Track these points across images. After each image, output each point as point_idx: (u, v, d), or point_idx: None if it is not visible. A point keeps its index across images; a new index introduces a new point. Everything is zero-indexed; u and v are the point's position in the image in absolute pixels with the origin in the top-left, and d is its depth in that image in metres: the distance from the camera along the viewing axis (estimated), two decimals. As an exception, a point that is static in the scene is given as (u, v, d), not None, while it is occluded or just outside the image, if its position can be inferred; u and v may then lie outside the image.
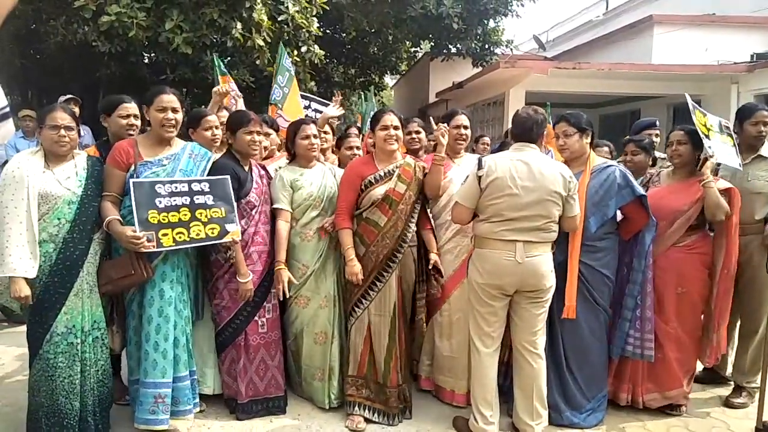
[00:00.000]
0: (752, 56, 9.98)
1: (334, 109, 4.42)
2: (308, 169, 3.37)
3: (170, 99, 2.92)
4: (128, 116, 3.13)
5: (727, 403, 3.52)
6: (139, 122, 3.19)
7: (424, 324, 3.43)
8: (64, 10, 6.78)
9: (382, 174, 3.19)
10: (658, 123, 4.03)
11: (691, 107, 3.36)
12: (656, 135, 4.49)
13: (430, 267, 3.28)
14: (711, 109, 3.74)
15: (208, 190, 2.94)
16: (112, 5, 6.17)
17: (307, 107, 5.18)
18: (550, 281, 2.93)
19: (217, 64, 4.78)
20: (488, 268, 2.91)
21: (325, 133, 3.73)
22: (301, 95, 5.41)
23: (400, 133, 3.22)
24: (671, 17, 11.03)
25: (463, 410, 3.30)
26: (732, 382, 3.62)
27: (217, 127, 3.41)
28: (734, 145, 3.38)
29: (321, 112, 5.09)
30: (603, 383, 3.29)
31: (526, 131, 2.97)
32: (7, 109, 3.33)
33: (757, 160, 3.46)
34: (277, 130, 4.16)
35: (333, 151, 4.20)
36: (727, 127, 3.45)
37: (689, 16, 10.96)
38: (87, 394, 2.78)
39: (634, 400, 3.33)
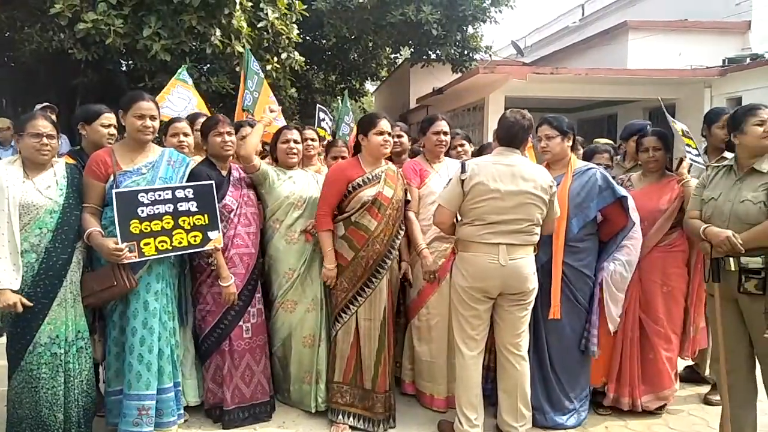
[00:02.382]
0: (724, 61, 10.23)
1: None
2: (291, 170, 3.39)
3: (149, 106, 2.90)
4: (110, 126, 3.14)
5: (705, 400, 3.59)
6: (115, 132, 3.20)
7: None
8: (40, 17, 6.70)
9: (370, 177, 3.19)
10: (649, 128, 4.06)
11: (668, 114, 3.47)
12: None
13: (400, 275, 3.30)
14: (685, 113, 3.88)
15: (192, 196, 2.93)
16: (88, 12, 6.10)
17: (322, 119, 5.18)
18: (533, 283, 2.96)
19: (181, 71, 4.74)
20: (472, 272, 2.93)
21: (312, 140, 3.73)
22: (318, 108, 5.46)
23: (392, 139, 3.25)
24: (645, 23, 11.27)
25: (446, 414, 3.31)
26: (711, 381, 3.69)
27: (185, 134, 3.45)
28: (696, 147, 3.53)
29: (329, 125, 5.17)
30: (585, 383, 3.34)
31: (511, 136, 2.99)
32: None
33: (722, 161, 3.56)
34: None
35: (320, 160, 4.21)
36: (688, 132, 3.59)
37: (663, 22, 11.21)
38: (71, 405, 2.73)
39: (633, 403, 3.35)
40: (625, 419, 3.34)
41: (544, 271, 3.10)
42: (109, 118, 3.14)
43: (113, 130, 3.15)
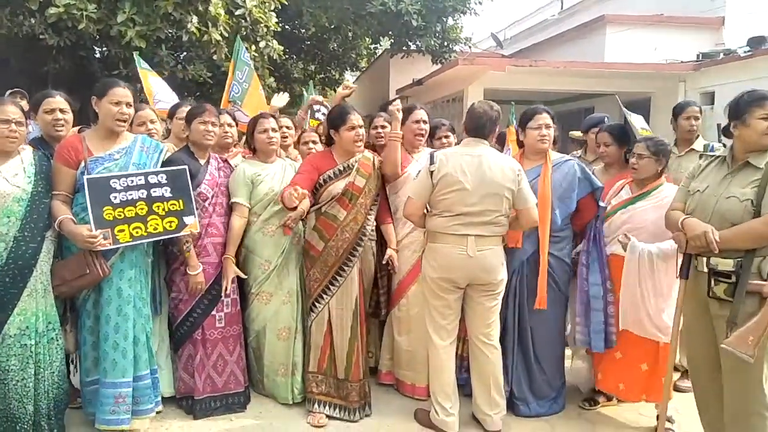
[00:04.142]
0: (698, 55, 10.39)
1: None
2: (269, 164, 3.35)
3: (125, 93, 2.85)
4: (53, 111, 3.06)
5: (675, 387, 3.67)
6: (68, 116, 3.12)
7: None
8: (9, 1, 6.49)
9: (342, 168, 3.19)
10: (607, 120, 4.15)
11: (624, 110, 3.54)
12: None
13: (384, 262, 3.31)
14: (660, 107, 3.97)
15: (166, 181, 2.89)
16: (60, -4, 5.94)
17: (317, 110, 5.14)
18: (501, 274, 2.99)
19: (137, 60, 4.65)
20: (440, 262, 2.95)
21: (287, 128, 3.71)
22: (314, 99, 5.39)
23: (363, 131, 3.23)
24: (622, 17, 11.38)
25: (424, 403, 3.34)
26: (681, 369, 3.77)
27: (152, 121, 3.46)
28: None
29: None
30: (563, 370, 3.41)
31: (479, 127, 3.01)
32: None
33: (690, 153, 3.71)
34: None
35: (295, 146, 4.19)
36: (646, 126, 3.68)
37: (639, 17, 11.33)
38: (41, 398, 2.69)
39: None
40: (595, 407, 3.41)
41: (529, 262, 3.13)
42: (51, 102, 3.07)
43: (59, 115, 3.07)
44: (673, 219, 2.61)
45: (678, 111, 3.73)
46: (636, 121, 3.70)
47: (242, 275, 3.13)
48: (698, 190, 2.56)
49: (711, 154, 2.69)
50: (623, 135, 3.52)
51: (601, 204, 3.21)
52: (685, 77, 10.16)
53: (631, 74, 10.02)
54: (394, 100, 3.22)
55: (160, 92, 4.52)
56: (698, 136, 3.77)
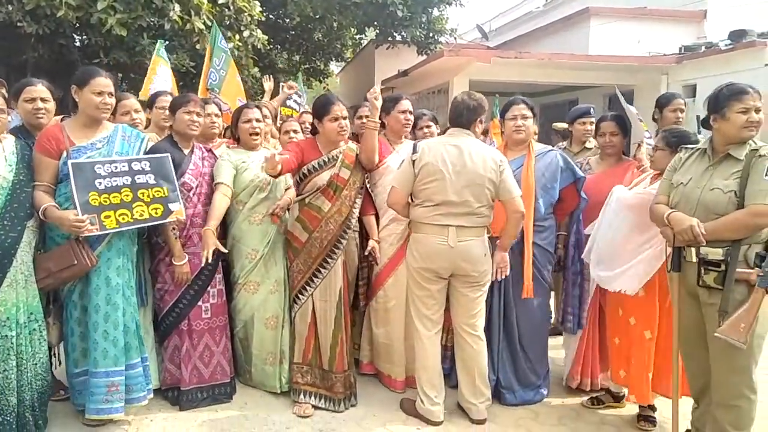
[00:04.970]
0: (681, 48, 10.50)
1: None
2: (253, 152, 3.33)
3: (107, 83, 2.80)
4: (34, 100, 3.02)
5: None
6: (50, 105, 3.08)
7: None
8: (-15, -13, 6.34)
9: (326, 159, 3.18)
10: (593, 110, 4.17)
11: (622, 100, 3.54)
12: (591, 123, 4.65)
13: (366, 253, 3.31)
14: (643, 99, 3.98)
15: (149, 168, 2.87)
16: (38, -17, 5.82)
17: (290, 98, 5.11)
18: (485, 265, 3.00)
19: (158, 47, 4.61)
20: (423, 252, 2.96)
21: (265, 117, 3.69)
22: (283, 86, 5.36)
23: (347, 122, 3.21)
24: (606, 9, 11.45)
25: (406, 393, 3.36)
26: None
27: (136, 110, 3.46)
28: (647, 130, 3.64)
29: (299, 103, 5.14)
30: (547, 359, 3.46)
31: (458, 116, 3.02)
32: None
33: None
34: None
35: (273, 135, 4.18)
36: (639, 117, 3.69)
37: (623, 9, 11.41)
38: (24, 389, 2.66)
39: (592, 383, 3.41)
40: (581, 396, 3.44)
41: (513, 252, 3.15)
42: (31, 91, 3.03)
43: (40, 104, 3.02)
44: (658, 213, 2.61)
45: (663, 103, 3.71)
46: (634, 112, 3.71)
47: (222, 248, 3.01)
48: (681, 183, 2.57)
49: (691, 147, 2.70)
50: (626, 125, 3.49)
51: (583, 197, 3.25)
52: (668, 70, 10.27)
53: (615, 66, 10.11)
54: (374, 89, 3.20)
55: (159, 82, 4.46)
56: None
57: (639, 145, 3.49)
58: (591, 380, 3.43)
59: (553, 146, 3.66)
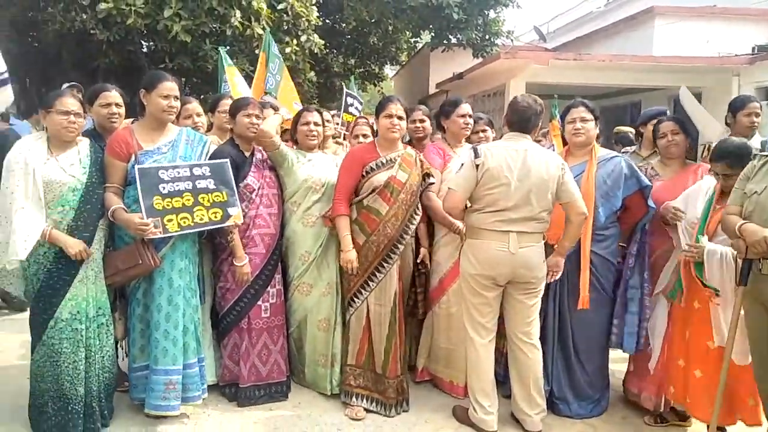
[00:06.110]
0: (753, 48, 9.95)
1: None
2: (311, 153, 3.41)
3: (173, 87, 2.92)
4: (109, 105, 3.14)
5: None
6: (122, 110, 3.20)
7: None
8: (63, -3, 6.73)
9: (384, 161, 3.18)
10: (668, 112, 3.98)
11: (691, 97, 3.37)
12: None
13: (418, 261, 3.29)
14: (712, 102, 3.77)
15: (209, 174, 2.96)
16: (110, -8, 6.12)
17: (350, 104, 5.19)
18: (542, 271, 2.93)
19: (222, 56, 4.75)
20: (481, 259, 2.91)
21: (327, 122, 3.75)
22: (346, 93, 5.46)
23: (403, 123, 3.21)
24: (672, 9, 10.99)
25: (462, 400, 3.32)
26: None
27: (198, 114, 3.62)
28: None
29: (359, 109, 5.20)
30: (606, 372, 3.33)
31: (523, 121, 2.94)
32: (6, 75, 3.36)
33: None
34: None
35: (337, 141, 4.24)
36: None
37: (690, 8, 10.92)
38: (92, 380, 2.79)
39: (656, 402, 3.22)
40: (641, 411, 3.29)
41: (571, 260, 3.06)
42: (107, 97, 3.14)
43: (114, 109, 3.14)
44: (730, 224, 2.47)
45: (737, 106, 3.52)
46: (703, 111, 3.53)
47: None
48: (755, 192, 2.43)
49: (765, 154, 2.55)
50: (687, 126, 3.30)
51: (651, 205, 3.10)
52: (740, 71, 9.75)
53: (681, 68, 9.67)
54: (433, 95, 3.18)
55: (243, 88, 4.59)
56: (755, 133, 3.59)
57: (708, 147, 3.30)
58: (655, 398, 3.25)
59: (615, 151, 3.53)
